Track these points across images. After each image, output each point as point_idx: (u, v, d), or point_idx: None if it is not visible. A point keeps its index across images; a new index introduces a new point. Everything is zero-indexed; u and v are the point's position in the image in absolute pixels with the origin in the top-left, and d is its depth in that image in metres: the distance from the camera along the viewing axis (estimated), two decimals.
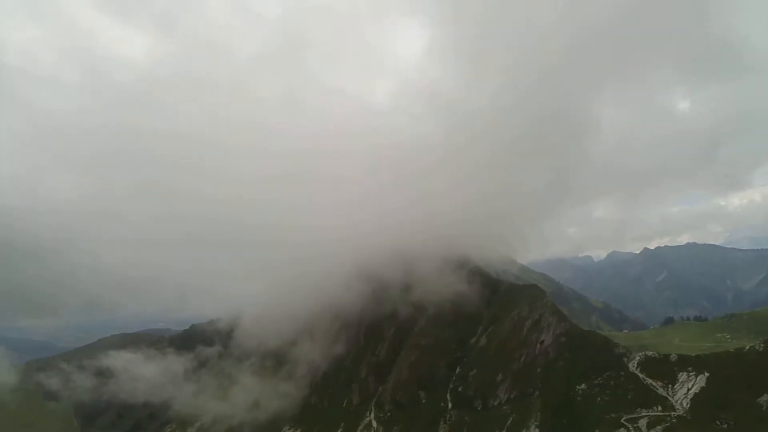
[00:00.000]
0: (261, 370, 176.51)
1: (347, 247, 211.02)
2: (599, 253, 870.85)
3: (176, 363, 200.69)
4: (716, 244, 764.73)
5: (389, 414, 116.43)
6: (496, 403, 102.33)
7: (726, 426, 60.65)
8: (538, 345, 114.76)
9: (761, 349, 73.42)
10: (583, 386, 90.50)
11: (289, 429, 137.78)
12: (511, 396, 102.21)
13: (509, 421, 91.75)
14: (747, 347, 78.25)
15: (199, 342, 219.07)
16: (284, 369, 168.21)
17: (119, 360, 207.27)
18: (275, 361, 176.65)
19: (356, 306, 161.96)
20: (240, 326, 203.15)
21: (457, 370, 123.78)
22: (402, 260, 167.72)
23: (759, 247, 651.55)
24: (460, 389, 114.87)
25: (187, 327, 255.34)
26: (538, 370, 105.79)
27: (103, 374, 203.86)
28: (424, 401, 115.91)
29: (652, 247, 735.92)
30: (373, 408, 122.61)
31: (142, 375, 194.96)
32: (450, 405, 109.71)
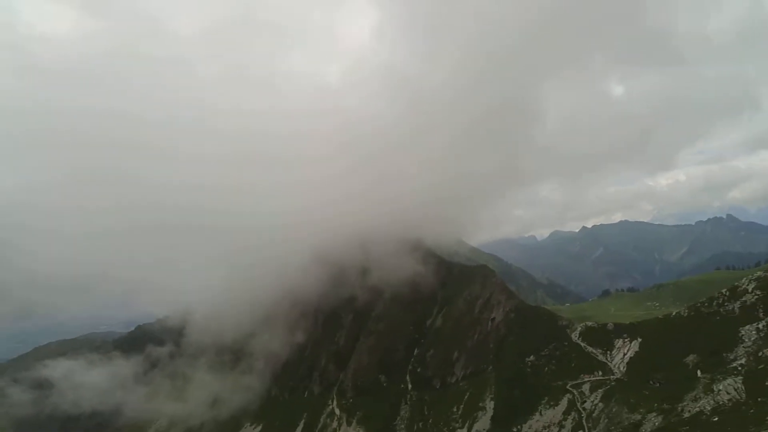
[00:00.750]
0: (218, 366, 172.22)
1: (304, 232, 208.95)
2: (542, 233, 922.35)
3: (124, 367, 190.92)
4: (646, 221, 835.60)
5: (351, 400, 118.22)
6: (453, 381, 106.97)
7: (658, 385, 67.33)
8: (490, 322, 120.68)
9: (686, 314, 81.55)
10: (532, 358, 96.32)
11: (250, 425, 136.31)
12: (467, 372, 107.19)
13: (466, 396, 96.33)
14: (674, 313, 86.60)
15: (147, 342, 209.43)
16: (243, 363, 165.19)
17: (59, 369, 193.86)
18: (233, 355, 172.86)
19: (314, 292, 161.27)
20: (192, 322, 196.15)
21: (415, 351, 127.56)
22: (359, 243, 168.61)
23: (682, 223, 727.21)
24: (419, 370, 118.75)
25: (133, 328, 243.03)
26: (491, 345, 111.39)
27: (42, 386, 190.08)
28: (384, 384, 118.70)
29: (589, 225, 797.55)
30: (335, 396, 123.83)
31: (87, 383, 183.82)
32: (410, 386, 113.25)
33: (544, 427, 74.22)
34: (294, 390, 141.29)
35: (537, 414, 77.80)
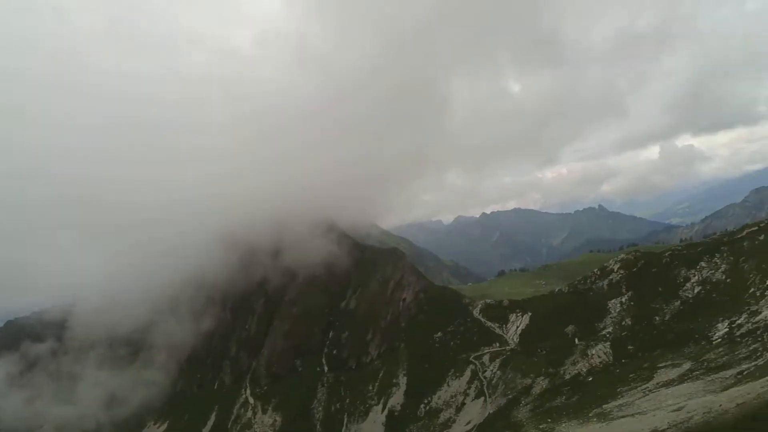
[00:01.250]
0: (113, 361, 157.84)
1: (210, 213, 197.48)
2: (448, 217, 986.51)
3: None
4: (535, 209, 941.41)
5: (266, 388, 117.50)
6: (368, 360, 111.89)
7: (545, 352, 78.25)
8: (402, 302, 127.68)
9: (566, 291, 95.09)
10: (439, 334, 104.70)
11: (154, 424, 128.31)
12: (381, 351, 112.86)
13: (381, 374, 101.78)
14: (557, 290, 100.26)
15: (22, 339, 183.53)
16: (142, 356, 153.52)
17: None
18: (130, 348, 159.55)
19: (222, 276, 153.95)
20: (77, 314, 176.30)
21: (331, 334, 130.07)
22: (270, 223, 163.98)
23: (564, 211, 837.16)
24: (334, 352, 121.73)
25: (1, 324, 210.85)
26: (403, 324, 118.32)
27: None
28: (300, 369, 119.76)
29: (488, 211, 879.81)
30: (248, 384, 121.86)
31: None
32: (326, 368, 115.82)
33: (451, 397, 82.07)
34: (203, 382, 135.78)
35: (445, 385, 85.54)
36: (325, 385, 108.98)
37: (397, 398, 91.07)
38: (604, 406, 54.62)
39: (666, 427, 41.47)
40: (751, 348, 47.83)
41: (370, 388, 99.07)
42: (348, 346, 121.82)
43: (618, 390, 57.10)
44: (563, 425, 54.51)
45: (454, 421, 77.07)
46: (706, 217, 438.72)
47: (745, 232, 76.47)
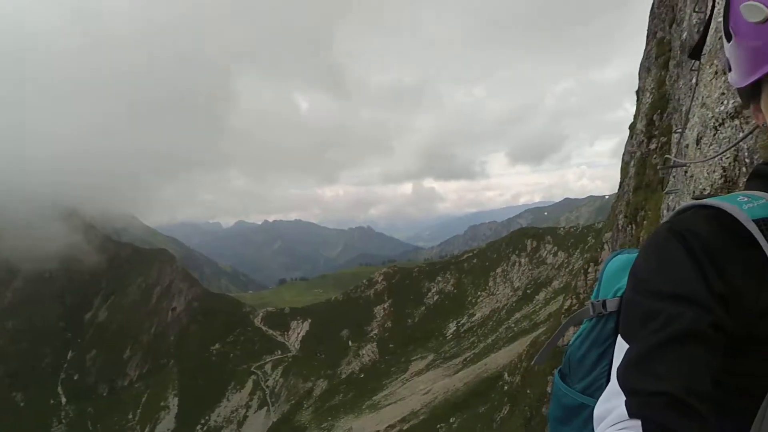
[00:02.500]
0: None
1: None
2: (228, 221, 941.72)
3: None
4: (314, 222, 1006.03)
5: None
6: (126, 383, 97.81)
7: (323, 356, 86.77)
8: (170, 312, 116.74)
9: (341, 299, 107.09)
10: (217, 346, 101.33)
11: None
12: (144, 371, 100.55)
13: (144, 398, 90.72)
14: (333, 298, 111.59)
15: None
16: None
17: None
18: None
19: None
20: None
21: (70, 354, 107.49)
22: None
23: (339, 228, 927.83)
24: (76, 377, 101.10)
25: None
26: (172, 338, 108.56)
27: None
28: (23, 404, 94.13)
29: (270, 220, 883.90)
30: None
31: None
32: (64, 400, 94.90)
33: (232, 412, 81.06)
34: None
35: (225, 400, 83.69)
36: (64, 420, 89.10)
37: (166, 423, 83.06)
38: (373, 397, 66.08)
39: (420, 407, 54.63)
40: (471, 341, 67.05)
41: (130, 416, 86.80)
42: (96, 368, 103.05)
43: (383, 382, 69.84)
44: (342, 421, 63.30)
45: None
46: (441, 243, 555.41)
47: (465, 257, 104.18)
